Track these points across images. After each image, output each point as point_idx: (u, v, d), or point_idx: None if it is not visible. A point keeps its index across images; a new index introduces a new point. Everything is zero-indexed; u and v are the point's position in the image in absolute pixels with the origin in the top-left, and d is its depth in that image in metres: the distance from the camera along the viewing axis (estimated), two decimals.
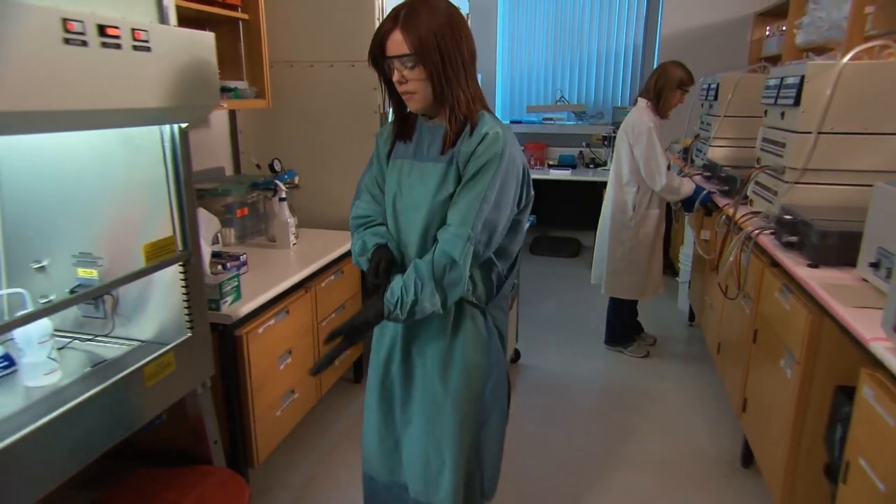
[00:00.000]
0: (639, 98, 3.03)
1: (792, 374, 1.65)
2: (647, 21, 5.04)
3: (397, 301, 1.21)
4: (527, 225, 1.42)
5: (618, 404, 2.74)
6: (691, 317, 3.68)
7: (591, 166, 5.11)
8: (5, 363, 1.37)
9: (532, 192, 1.31)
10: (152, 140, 1.39)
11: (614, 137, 4.88)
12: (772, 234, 2.01)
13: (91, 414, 1.26)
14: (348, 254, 2.54)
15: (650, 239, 3.06)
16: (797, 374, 1.61)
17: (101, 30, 1.05)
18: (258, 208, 2.57)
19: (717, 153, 3.42)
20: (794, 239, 1.79)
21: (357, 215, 1.41)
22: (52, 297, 1.56)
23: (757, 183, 2.35)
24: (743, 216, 2.29)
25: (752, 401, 2.08)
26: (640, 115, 2.89)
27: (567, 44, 5.25)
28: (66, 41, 0.99)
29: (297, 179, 2.53)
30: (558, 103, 5.21)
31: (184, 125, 1.38)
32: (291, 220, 2.41)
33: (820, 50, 3.28)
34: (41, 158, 1.51)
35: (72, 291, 1.51)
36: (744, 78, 3.32)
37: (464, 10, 4.15)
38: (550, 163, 5.18)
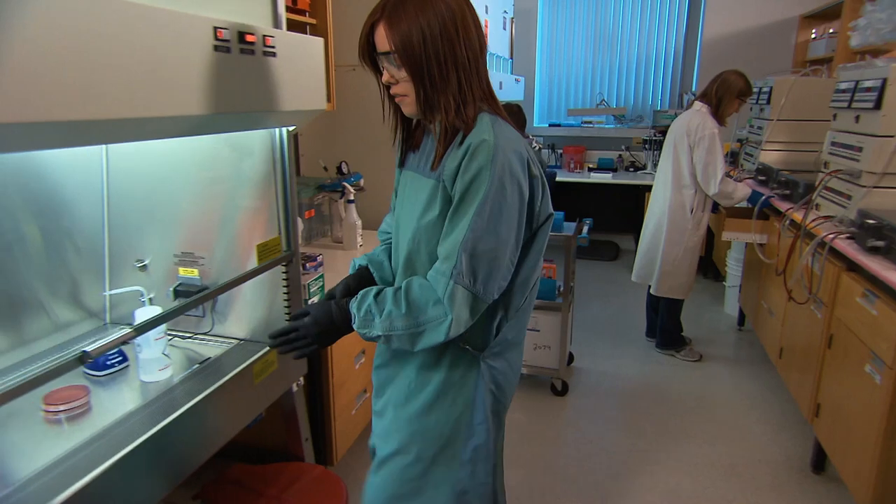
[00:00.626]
0: (696, 101, 3.02)
1: (882, 380, 1.64)
2: (689, 24, 5.02)
3: (364, 311, 1.03)
4: (544, 245, 1.11)
5: (677, 408, 2.74)
6: (740, 321, 3.65)
7: (632, 169, 5.10)
8: (119, 358, 1.42)
9: (549, 207, 1.08)
10: (260, 143, 1.43)
11: (656, 141, 4.90)
12: (849, 238, 1.99)
13: (208, 411, 1.29)
14: None
15: (700, 241, 3.08)
16: (889, 380, 1.60)
17: (241, 37, 1.08)
18: (323, 210, 2.61)
19: (770, 157, 3.40)
20: (880, 244, 1.77)
21: (381, 230, 1.34)
22: (152, 295, 1.61)
23: (825, 187, 2.33)
24: (812, 221, 2.28)
25: (827, 406, 2.07)
26: (704, 120, 2.89)
27: (607, 47, 5.25)
28: (216, 48, 1.02)
29: (362, 182, 2.56)
30: (599, 106, 5.20)
31: (291, 128, 1.41)
32: (358, 222, 2.44)
33: (877, 52, 3.25)
34: (145, 161, 1.55)
35: (175, 290, 1.56)
36: (798, 81, 3.30)
37: (509, 14, 4.19)
38: (590, 166, 5.18)
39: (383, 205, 2.97)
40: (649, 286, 3.32)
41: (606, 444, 2.45)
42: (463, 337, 1.04)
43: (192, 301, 1.24)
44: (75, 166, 1.56)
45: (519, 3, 4.55)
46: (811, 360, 2.20)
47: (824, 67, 3.87)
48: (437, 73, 0.97)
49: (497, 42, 3.83)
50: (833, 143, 2.31)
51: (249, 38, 1.10)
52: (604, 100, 5.23)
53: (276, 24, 1.36)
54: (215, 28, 1.01)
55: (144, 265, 1.60)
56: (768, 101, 3.38)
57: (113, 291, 1.52)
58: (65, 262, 1.59)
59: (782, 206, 2.70)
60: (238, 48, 1.08)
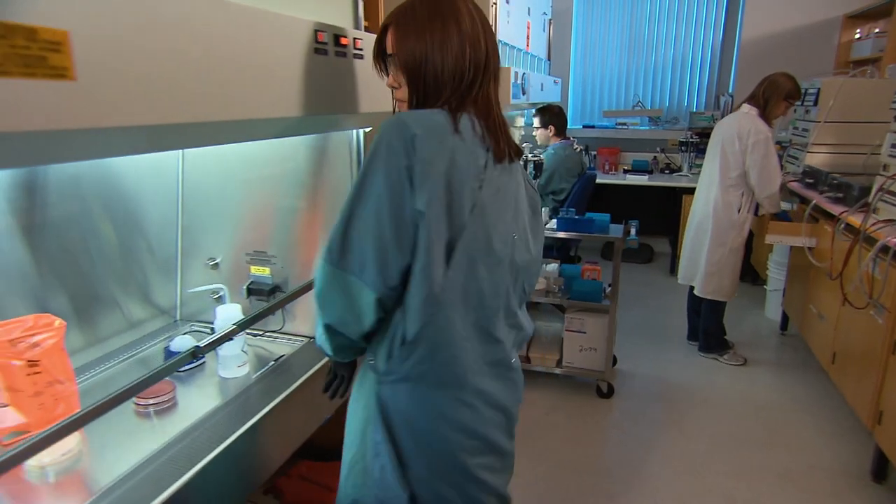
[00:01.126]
0: (744, 104, 2.99)
1: None
2: (727, 24, 4.97)
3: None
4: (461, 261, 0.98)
5: (724, 412, 2.71)
6: (783, 325, 3.60)
7: (667, 171, 5.06)
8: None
9: (440, 194, 0.93)
10: (337, 144, 1.45)
11: (692, 143, 4.85)
12: None
13: (289, 411, 1.31)
14: None
15: (744, 242, 3.05)
16: None
17: (337, 39, 1.10)
18: None
19: (817, 159, 3.35)
20: None
21: None
22: (221, 293, 1.64)
23: (887, 191, 2.29)
24: (872, 225, 2.24)
25: (891, 413, 2.03)
26: (755, 123, 2.86)
27: (642, 47, 5.21)
28: (316, 51, 1.04)
29: None
30: (635, 108, 5.17)
31: (367, 129, 1.43)
32: None
33: None
34: (219, 162, 1.58)
35: (248, 288, 1.58)
36: (847, 82, 3.25)
37: (548, 16, 4.18)
38: (625, 168, 5.14)
39: None
40: (691, 288, 3.29)
41: (657, 447, 2.43)
42: (371, 346, 1.05)
43: (285, 298, 1.27)
44: (151, 168, 1.59)
45: (555, 4, 4.54)
46: (871, 366, 2.17)
47: (871, 68, 3.80)
48: (432, 85, 0.98)
49: (536, 43, 3.82)
50: (894, 146, 2.27)
51: (343, 40, 1.12)
52: (640, 101, 5.19)
53: (356, 26, 1.38)
54: (316, 31, 1.03)
55: (216, 263, 1.63)
56: (815, 103, 3.33)
57: (195, 289, 1.55)
58: (138, 262, 1.62)
59: (835, 209, 2.65)
60: (334, 51, 1.09)
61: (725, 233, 3.03)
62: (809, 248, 2.92)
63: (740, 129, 2.89)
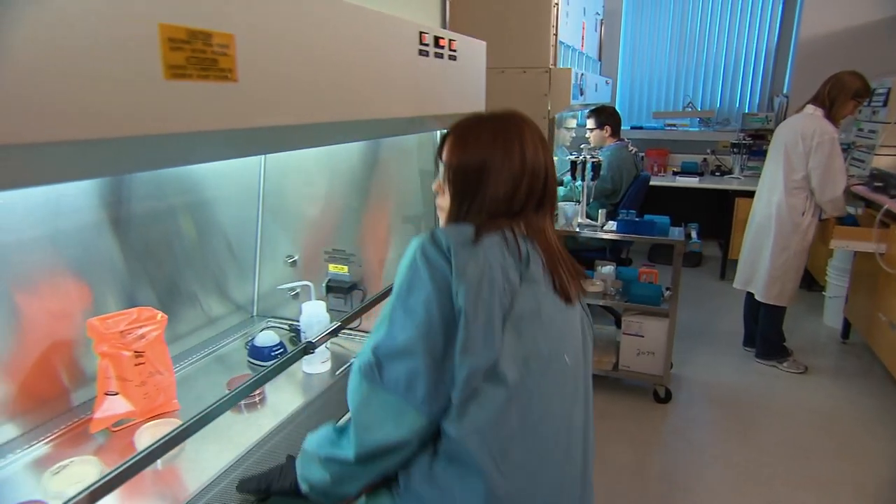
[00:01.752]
0: (807, 105, 2.91)
1: None
2: (783, 22, 4.84)
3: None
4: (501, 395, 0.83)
5: (788, 421, 2.63)
6: (844, 333, 3.49)
7: (718, 174, 4.95)
8: (281, 350, 1.47)
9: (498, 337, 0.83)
10: (418, 145, 1.46)
11: (744, 144, 4.74)
12: None
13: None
14: None
15: (807, 247, 2.96)
16: None
17: (436, 40, 1.11)
18: None
19: (885, 162, 3.24)
20: None
21: None
22: (298, 291, 1.67)
23: None
24: None
25: None
26: (820, 124, 2.78)
27: (693, 47, 5.11)
28: (420, 52, 1.05)
29: None
30: (686, 109, 5.08)
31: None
32: None
33: None
34: (299, 162, 1.62)
35: (327, 285, 1.61)
36: None
37: (600, 16, 4.14)
38: (674, 170, 5.06)
39: None
40: (748, 294, 3.22)
41: (719, 453, 2.38)
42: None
43: (378, 297, 1.28)
44: (232, 169, 1.63)
45: (606, 3, 4.49)
46: None
47: None
48: (477, 206, 0.92)
49: (589, 44, 3.80)
50: None
51: (442, 41, 1.13)
52: (690, 102, 5.10)
53: (443, 26, 1.39)
54: (421, 33, 1.04)
55: (294, 261, 1.66)
56: (884, 104, 3.22)
57: (284, 286, 1.58)
58: (217, 259, 1.66)
59: None
60: (434, 52, 1.10)
61: (789, 237, 2.95)
62: (880, 254, 2.82)
63: (804, 131, 2.81)
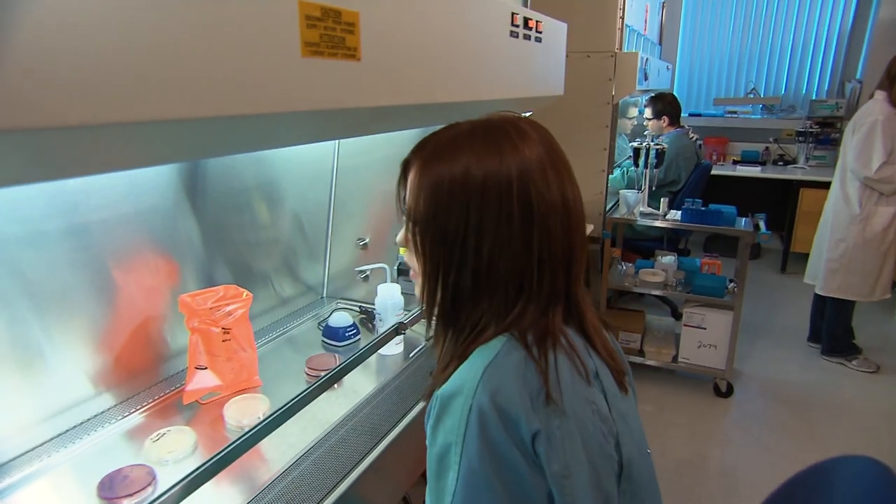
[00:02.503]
0: (875, 91, 2.76)
1: None
2: (860, 2, 4.58)
3: None
4: None
5: (861, 422, 2.53)
6: None
7: (780, 163, 4.76)
8: (354, 331, 1.50)
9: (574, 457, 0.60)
10: None
11: (811, 133, 4.54)
12: None
13: None
14: None
15: (879, 237, 2.80)
16: None
17: (526, 22, 1.09)
18: None
19: None
20: None
21: None
22: (368, 273, 1.69)
23: None
24: None
25: None
26: (871, 107, 2.69)
27: (758, 30, 4.90)
28: (511, 33, 1.04)
29: None
30: (749, 95, 4.89)
31: (528, 114, 1.42)
32: None
33: None
34: (371, 146, 1.63)
35: (397, 269, 1.62)
36: None
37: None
38: (734, 159, 4.89)
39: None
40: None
41: (785, 452, 2.31)
42: None
43: None
44: (304, 152, 1.65)
45: None
46: None
47: None
48: (468, 285, 0.66)
49: (650, 27, 3.69)
50: None
51: (531, 23, 1.11)
52: (754, 88, 4.90)
53: (525, 5, 1.37)
54: (512, 13, 1.03)
55: (365, 244, 1.68)
56: None
57: (361, 267, 1.61)
58: (289, 241, 1.70)
59: None
60: (523, 33, 1.09)
61: (845, 228, 2.83)
62: None
63: (857, 117, 2.72)
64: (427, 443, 0.64)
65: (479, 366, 0.61)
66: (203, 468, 0.77)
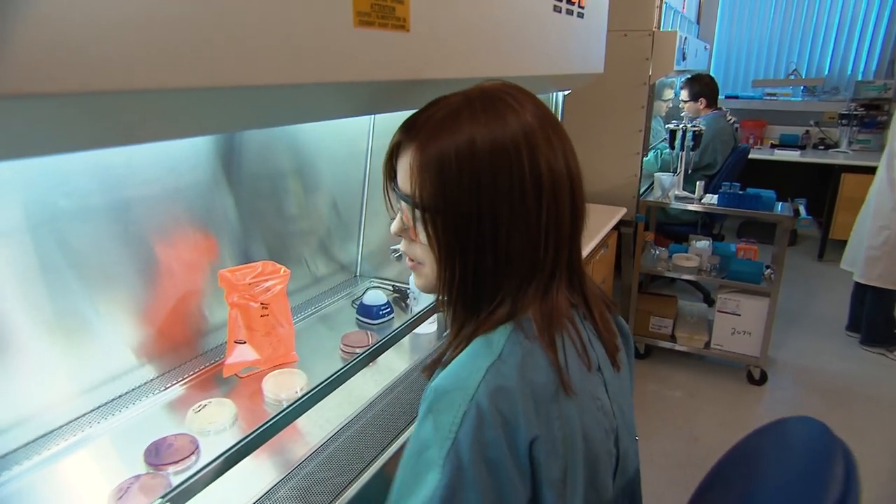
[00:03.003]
0: None
1: None
2: None
3: None
4: None
5: None
6: None
7: (821, 147, 4.61)
8: (388, 309, 1.51)
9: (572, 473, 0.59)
10: None
11: (856, 115, 4.38)
12: None
13: None
14: (614, 228, 2.51)
15: None
16: None
17: None
18: None
19: None
20: None
21: None
22: (401, 252, 1.69)
23: None
24: None
25: None
26: None
27: (801, 8, 4.72)
28: (554, 8, 1.01)
29: None
30: (790, 77, 4.73)
31: (566, 92, 1.40)
32: None
33: None
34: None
35: None
36: None
37: None
38: (772, 142, 4.75)
39: (589, 173, 2.89)
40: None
41: None
42: None
43: None
44: (342, 128, 1.66)
45: None
46: None
47: None
48: (490, 272, 0.62)
49: (689, 5, 3.58)
50: None
51: None
52: (796, 69, 4.74)
53: None
54: None
55: None
56: None
57: (395, 246, 1.61)
58: (323, 219, 1.71)
59: None
60: (566, 8, 1.06)
61: (888, 214, 2.73)
62: None
63: None
64: (415, 427, 0.60)
65: (481, 364, 0.57)
66: (247, 440, 0.78)
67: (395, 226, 0.68)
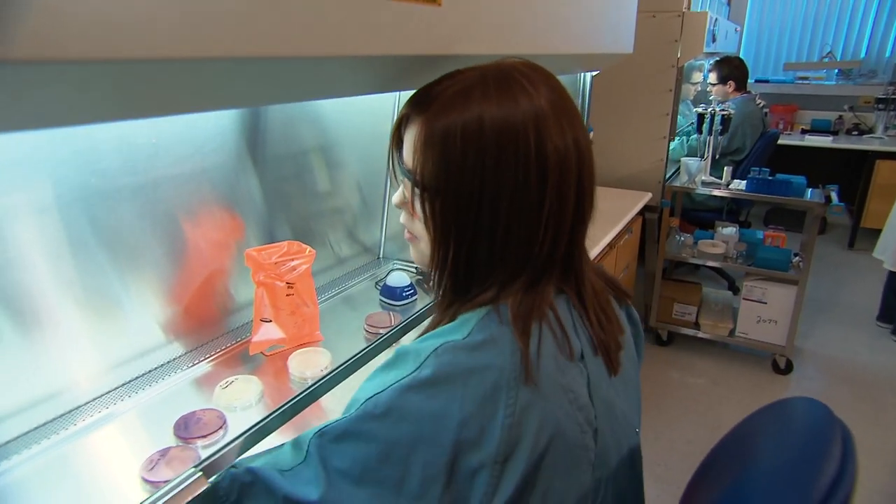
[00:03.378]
0: None
1: None
2: None
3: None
4: None
5: None
6: None
7: (855, 133, 4.48)
8: (411, 291, 1.51)
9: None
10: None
11: (893, 100, 4.24)
12: None
13: None
14: (639, 213, 2.48)
15: None
16: None
17: None
18: None
19: None
20: None
21: None
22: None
23: None
24: None
25: None
26: None
27: None
28: None
29: (591, 135, 2.49)
30: (824, 60, 4.59)
31: (595, 73, 1.37)
32: None
33: None
34: None
35: None
36: None
37: None
38: (803, 128, 4.63)
39: (615, 158, 2.84)
40: None
41: (857, 435, 2.22)
42: None
43: None
44: (366, 108, 1.65)
45: None
46: None
47: None
48: (484, 257, 0.61)
49: None
50: None
51: None
52: (830, 51, 4.60)
53: None
54: None
55: None
56: None
57: None
58: (347, 200, 1.71)
59: None
60: None
61: None
62: None
63: None
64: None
65: (445, 338, 0.56)
66: (273, 415, 0.79)
67: (396, 197, 0.68)
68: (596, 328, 0.63)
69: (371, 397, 0.55)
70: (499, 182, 0.56)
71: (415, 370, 0.54)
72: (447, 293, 0.63)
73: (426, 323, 0.68)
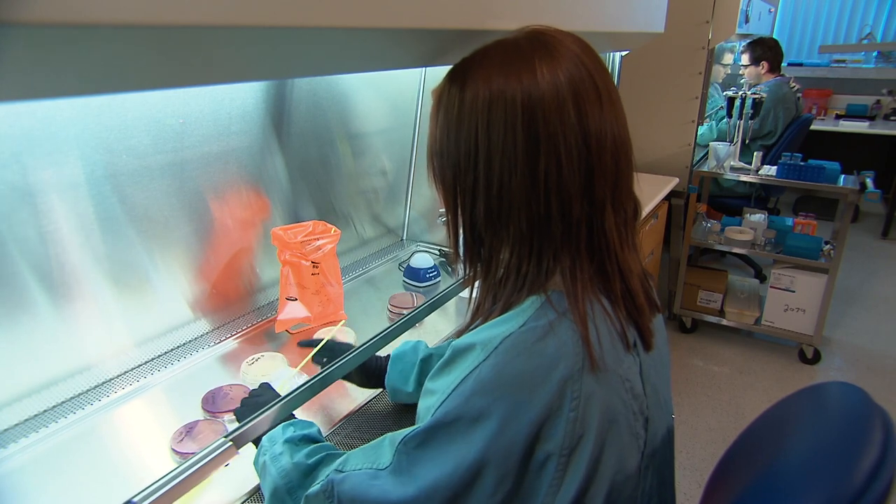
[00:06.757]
0: None
1: None
2: None
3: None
4: None
5: None
6: None
7: (893, 119, 4.33)
8: (434, 272, 1.51)
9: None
10: None
11: None
12: None
13: None
14: (665, 199, 2.44)
15: None
16: None
17: None
18: None
19: None
20: None
21: None
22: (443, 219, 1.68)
23: None
24: None
25: None
26: None
27: None
28: None
29: None
30: (863, 41, 4.44)
31: (624, 53, 1.34)
32: None
33: None
34: None
35: None
36: None
37: None
38: (837, 113, 4.49)
39: (642, 144, 2.79)
40: None
41: None
42: None
43: None
44: (392, 89, 1.64)
45: None
46: None
47: None
48: (475, 196, 0.61)
49: None
50: None
51: None
52: (871, 32, 4.44)
53: None
54: None
55: None
56: None
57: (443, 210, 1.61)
58: (371, 182, 1.71)
59: None
60: None
61: None
62: None
63: None
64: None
65: (505, 329, 0.55)
66: (298, 391, 0.80)
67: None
68: (635, 311, 0.62)
69: (440, 405, 0.55)
70: (489, 147, 0.57)
71: (475, 368, 0.54)
72: (465, 258, 0.64)
73: (452, 304, 0.67)
